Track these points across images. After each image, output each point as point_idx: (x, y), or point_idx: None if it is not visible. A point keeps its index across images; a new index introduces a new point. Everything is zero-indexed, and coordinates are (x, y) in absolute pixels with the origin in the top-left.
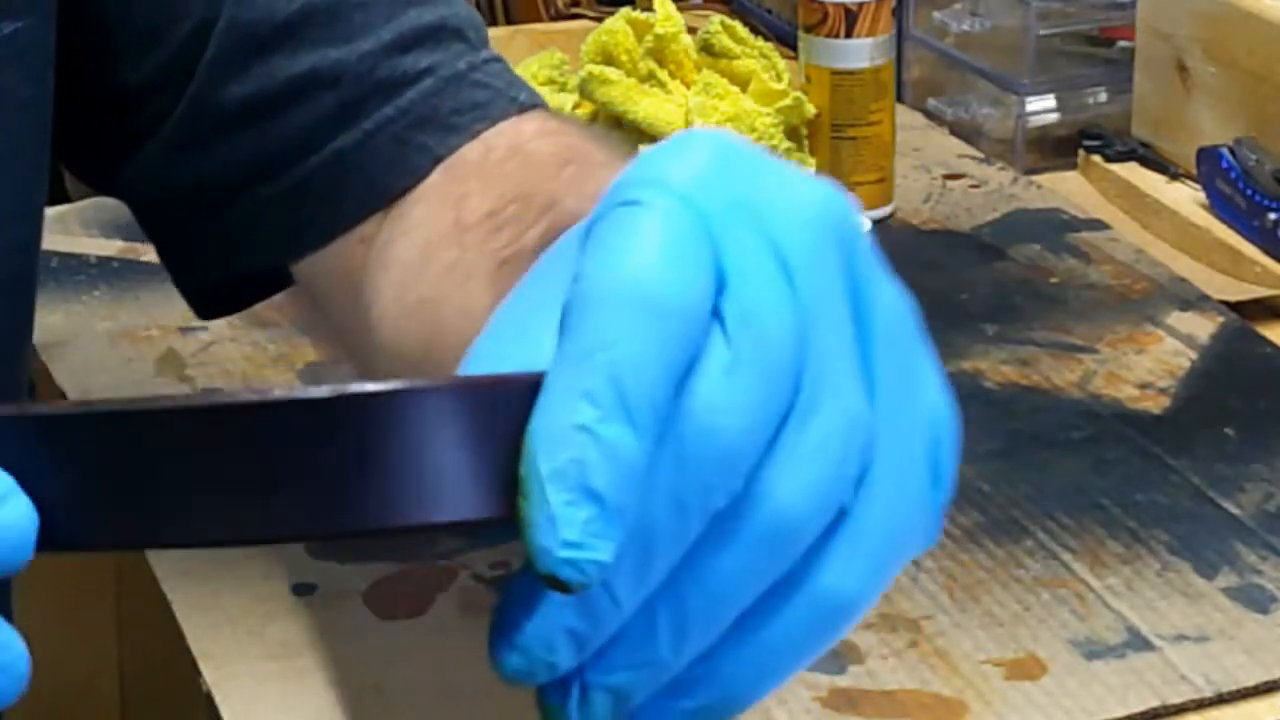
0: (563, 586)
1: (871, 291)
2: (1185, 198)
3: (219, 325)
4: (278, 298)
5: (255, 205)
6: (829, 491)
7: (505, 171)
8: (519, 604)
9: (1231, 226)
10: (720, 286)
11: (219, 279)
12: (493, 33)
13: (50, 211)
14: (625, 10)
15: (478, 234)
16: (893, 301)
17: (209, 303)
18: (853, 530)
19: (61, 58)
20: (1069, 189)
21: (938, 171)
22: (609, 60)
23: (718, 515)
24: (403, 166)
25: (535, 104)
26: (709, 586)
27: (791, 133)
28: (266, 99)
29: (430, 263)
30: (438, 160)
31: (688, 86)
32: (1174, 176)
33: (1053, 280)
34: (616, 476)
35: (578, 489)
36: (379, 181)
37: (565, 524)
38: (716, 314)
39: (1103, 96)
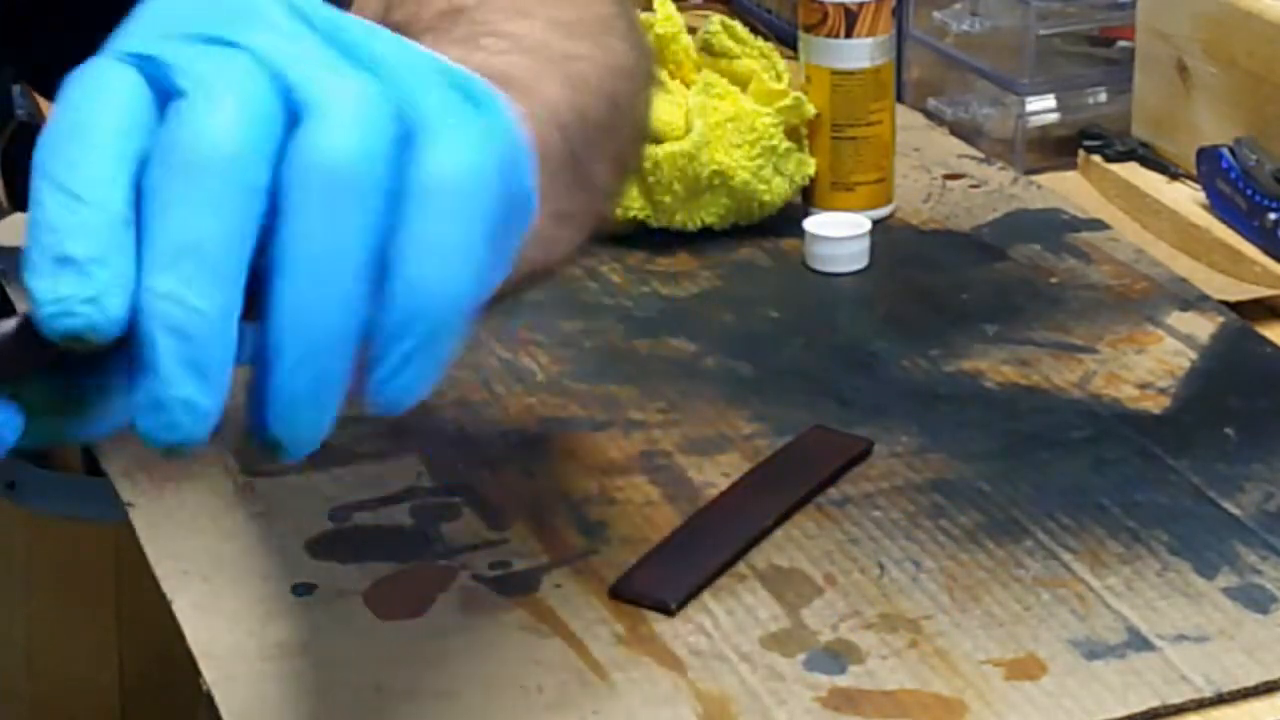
0: (82, 342)
1: (341, 30)
2: (1185, 198)
3: None
4: None
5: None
6: (371, 129)
7: None
8: (134, 375)
9: (1231, 226)
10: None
11: None
12: None
13: None
14: None
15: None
16: (377, 34)
17: None
18: (429, 132)
19: None
20: (1069, 189)
21: (938, 171)
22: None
23: (283, 208)
24: None
25: None
26: (316, 248)
27: (791, 133)
28: None
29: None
30: None
31: (688, 86)
32: (1174, 176)
33: (1053, 280)
34: (81, 234)
35: (47, 259)
36: None
37: (44, 290)
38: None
39: (1103, 96)
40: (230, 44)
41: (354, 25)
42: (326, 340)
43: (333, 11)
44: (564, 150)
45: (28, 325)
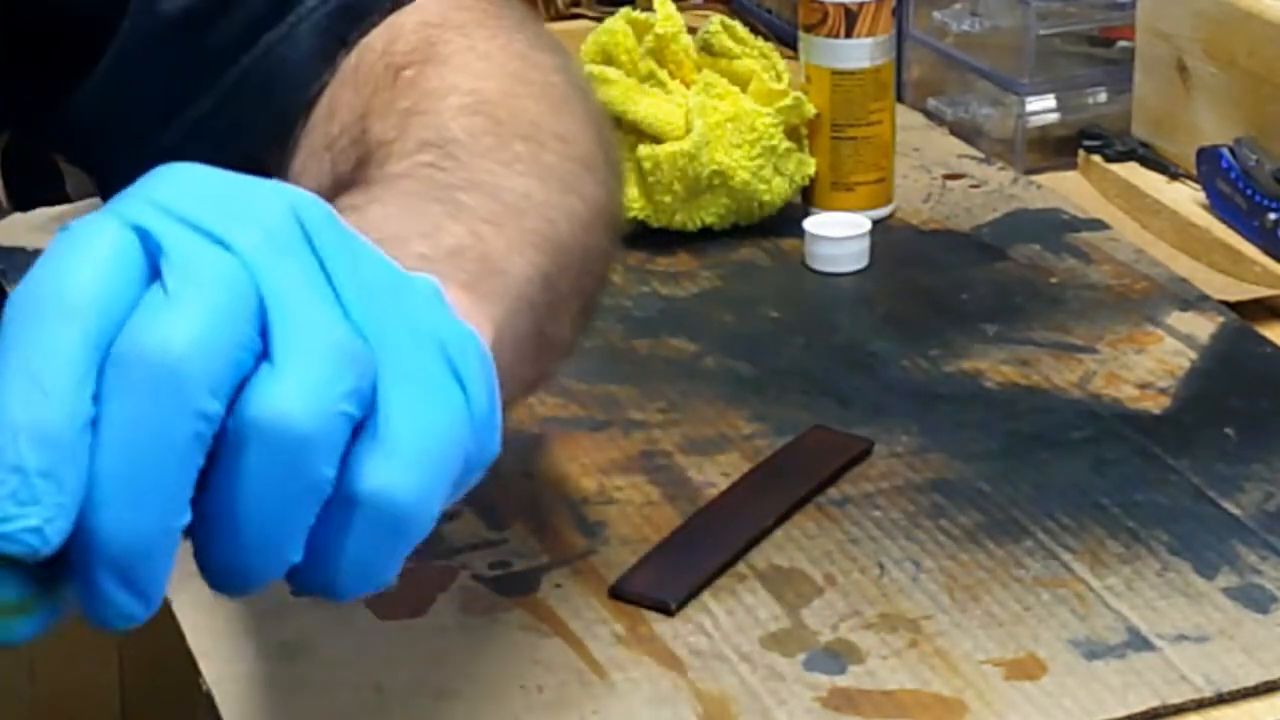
0: (14, 562)
1: (335, 254)
2: (1185, 198)
3: None
4: None
5: (196, 116)
6: (319, 399)
7: (369, 79)
8: (75, 581)
9: (1231, 226)
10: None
11: None
12: None
13: (50, 211)
14: (625, 10)
15: (335, 152)
16: (359, 260)
17: None
18: (380, 436)
19: None
20: (1069, 189)
21: (938, 171)
22: (609, 60)
23: (220, 440)
24: (322, 56)
25: None
26: (244, 508)
27: (791, 133)
28: (196, 13)
29: (304, 176)
30: (349, 49)
31: (688, 86)
32: (1174, 176)
33: (1053, 280)
34: (37, 446)
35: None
36: (300, 73)
37: None
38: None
39: (1103, 96)
40: (227, 246)
41: (349, 258)
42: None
43: (336, 235)
44: (532, 328)
45: None
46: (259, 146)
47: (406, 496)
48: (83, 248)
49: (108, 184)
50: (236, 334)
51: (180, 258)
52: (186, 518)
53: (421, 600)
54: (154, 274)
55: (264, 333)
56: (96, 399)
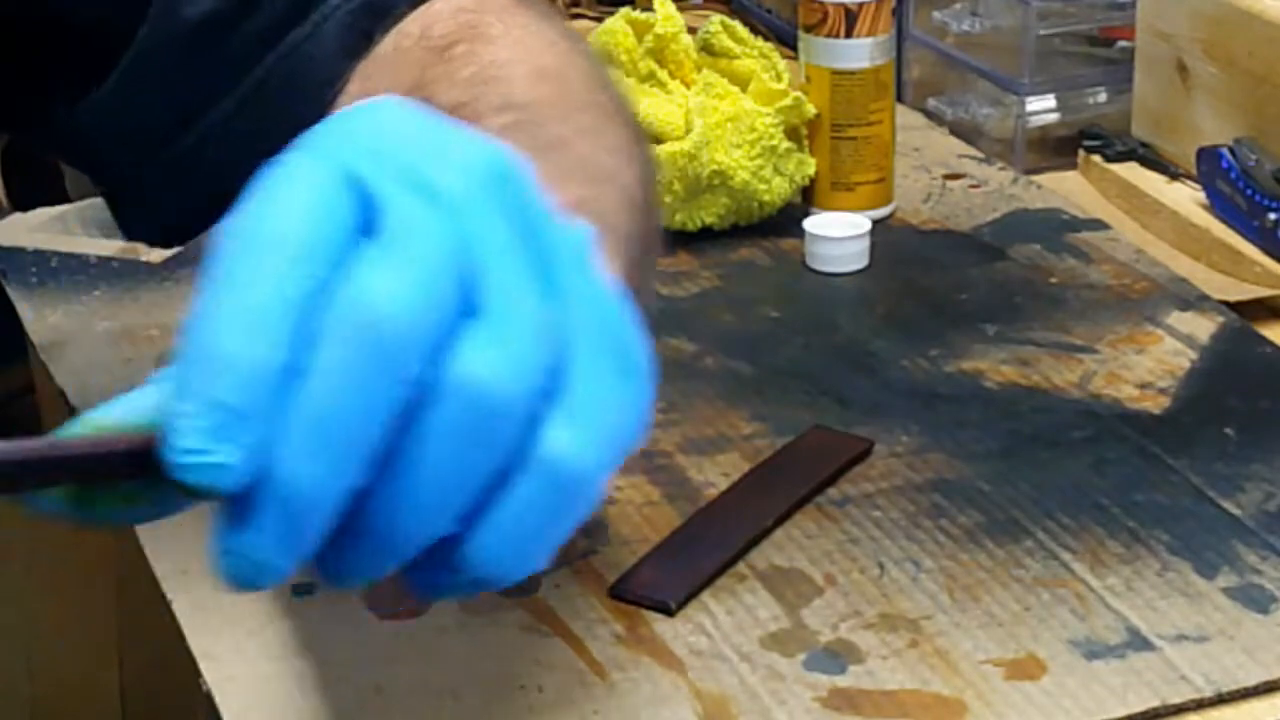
0: (196, 492)
1: (537, 220)
2: (1185, 198)
3: None
4: None
5: (219, 118)
6: (521, 370)
7: (411, 59)
8: (226, 520)
9: (1231, 226)
10: (370, 228)
11: (176, 211)
12: None
13: (50, 211)
14: (625, 10)
15: None
16: (559, 229)
17: (161, 237)
18: (565, 406)
19: None
20: (1069, 189)
21: (938, 171)
22: (609, 60)
23: (418, 401)
24: (347, 52)
25: None
26: (427, 469)
27: (791, 133)
28: (221, 15)
29: None
30: (372, 44)
31: (688, 86)
32: (1174, 176)
33: (1053, 280)
34: (238, 386)
35: (199, 399)
36: (326, 70)
37: (185, 432)
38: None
39: (1103, 96)
40: (440, 202)
41: (544, 218)
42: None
43: (533, 194)
44: (635, 289)
45: (148, 445)
46: (281, 145)
47: (586, 468)
48: (299, 190)
49: (116, 188)
50: (447, 298)
51: (397, 216)
52: (363, 479)
53: (422, 600)
54: (365, 223)
55: (468, 293)
56: (301, 346)
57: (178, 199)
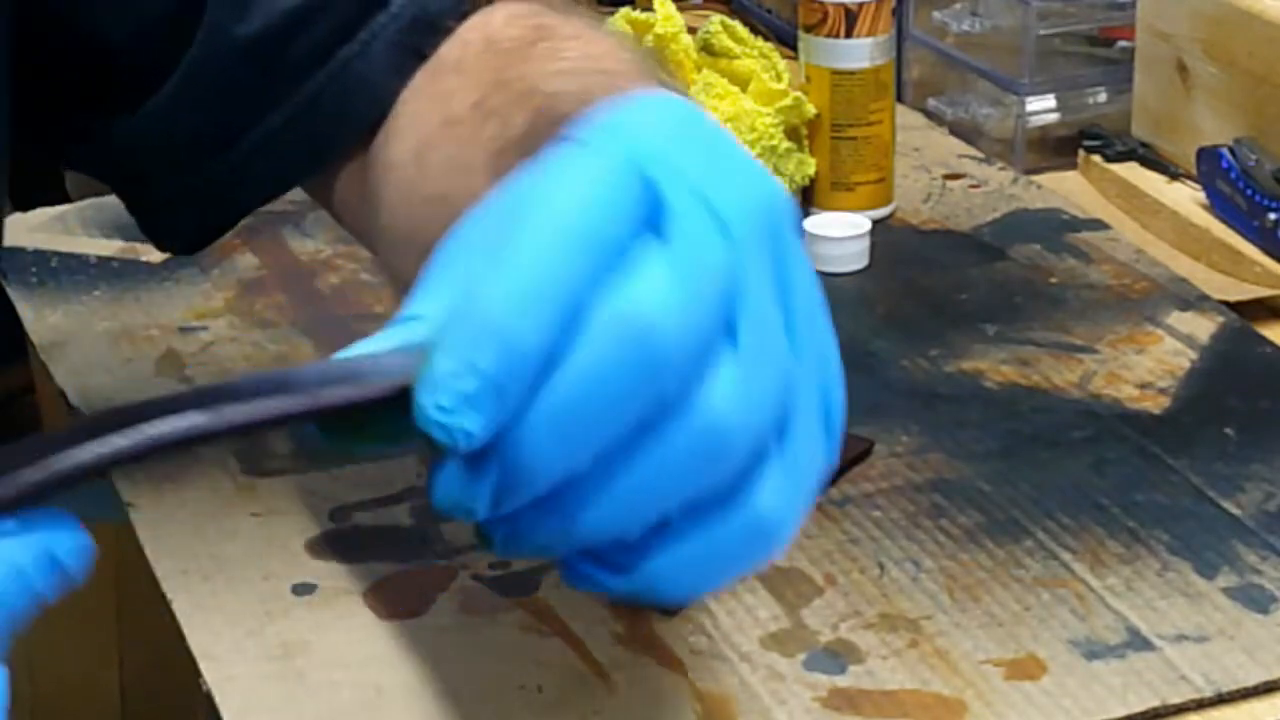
0: (436, 446)
1: (794, 266)
2: (1185, 198)
3: (219, 325)
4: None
5: (264, 134)
6: (758, 415)
7: (483, 63)
8: (450, 463)
9: (1231, 226)
10: (659, 231)
11: (211, 222)
12: None
13: (50, 211)
14: (625, 10)
15: (468, 127)
16: (809, 279)
17: (187, 245)
18: (782, 461)
19: (32, 32)
20: (1069, 189)
21: (938, 171)
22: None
23: (657, 415)
24: (398, 70)
25: None
26: (639, 478)
27: (791, 133)
28: (273, 31)
29: (427, 162)
30: (424, 60)
31: (688, 86)
32: (1174, 176)
33: (1053, 280)
34: (503, 359)
35: (463, 362)
36: (377, 87)
37: (443, 390)
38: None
39: (1103, 96)
40: (725, 227)
41: (801, 268)
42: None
43: (796, 240)
44: None
45: (403, 393)
46: (326, 161)
47: (784, 522)
48: (591, 178)
49: (149, 201)
50: (715, 324)
51: (686, 231)
52: (584, 468)
53: (421, 600)
54: (648, 222)
55: (729, 322)
56: (566, 331)
57: (216, 211)
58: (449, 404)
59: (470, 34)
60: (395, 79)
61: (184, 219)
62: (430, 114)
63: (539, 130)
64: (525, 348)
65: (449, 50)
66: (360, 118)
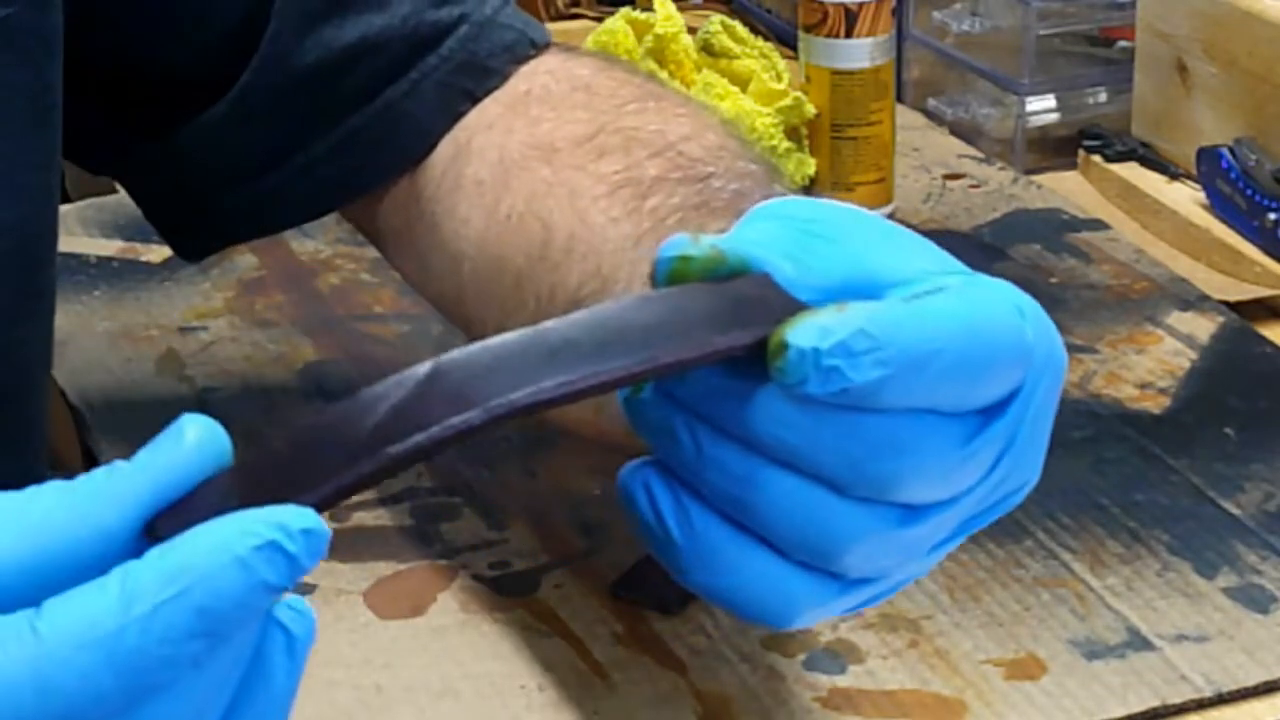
0: (790, 389)
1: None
2: (1185, 198)
3: (219, 325)
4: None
5: (305, 161)
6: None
7: (576, 102)
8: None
9: (1231, 226)
10: None
11: (235, 237)
12: None
13: None
14: (625, 10)
15: (574, 156)
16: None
17: (203, 254)
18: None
19: (87, 50)
20: (1069, 189)
21: (938, 171)
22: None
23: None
24: (446, 109)
25: (548, 41)
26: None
27: (791, 133)
28: (327, 67)
29: (513, 180)
30: (475, 102)
31: (688, 86)
32: (1174, 176)
33: (1053, 280)
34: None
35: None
36: (424, 124)
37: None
38: None
39: (1103, 96)
40: (1046, 361)
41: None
42: None
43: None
44: None
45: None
46: (363, 192)
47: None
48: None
49: (178, 214)
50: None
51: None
52: None
53: (421, 600)
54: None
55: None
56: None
57: (244, 229)
58: (838, 338)
59: (534, 76)
60: (442, 118)
61: (211, 233)
62: (511, 140)
63: (666, 176)
64: (881, 328)
65: (525, 84)
66: (403, 152)
